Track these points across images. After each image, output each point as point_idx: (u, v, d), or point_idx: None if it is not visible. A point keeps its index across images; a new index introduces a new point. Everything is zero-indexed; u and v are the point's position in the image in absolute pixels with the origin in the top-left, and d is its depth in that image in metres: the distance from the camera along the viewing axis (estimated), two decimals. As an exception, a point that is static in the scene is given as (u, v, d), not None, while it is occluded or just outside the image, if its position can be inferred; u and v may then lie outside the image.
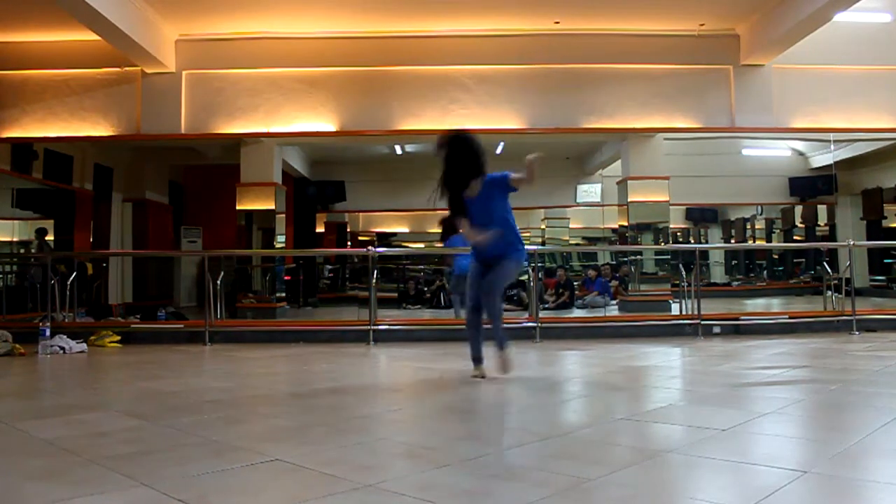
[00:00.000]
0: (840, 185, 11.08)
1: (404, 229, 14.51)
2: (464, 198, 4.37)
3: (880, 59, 8.53)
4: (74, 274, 7.46)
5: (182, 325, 7.39)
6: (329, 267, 13.60)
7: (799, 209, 13.10)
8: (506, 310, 9.95)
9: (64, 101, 8.28)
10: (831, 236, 12.28)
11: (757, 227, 14.05)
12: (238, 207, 8.66)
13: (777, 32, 7.73)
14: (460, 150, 4.33)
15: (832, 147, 10.49)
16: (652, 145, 8.81)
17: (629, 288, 9.35)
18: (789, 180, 12.75)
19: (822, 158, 11.81)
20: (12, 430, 2.96)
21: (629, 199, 8.78)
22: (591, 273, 10.92)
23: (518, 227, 4.49)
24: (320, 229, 13.59)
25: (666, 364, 5.25)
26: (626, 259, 9.70)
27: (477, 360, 4.39)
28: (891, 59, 8.54)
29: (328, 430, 2.94)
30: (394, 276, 12.67)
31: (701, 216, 13.83)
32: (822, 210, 12.73)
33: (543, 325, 6.98)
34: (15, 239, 9.54)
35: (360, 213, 14.24)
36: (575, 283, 10.73)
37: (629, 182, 8.79)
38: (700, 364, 5.14)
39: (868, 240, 11.67)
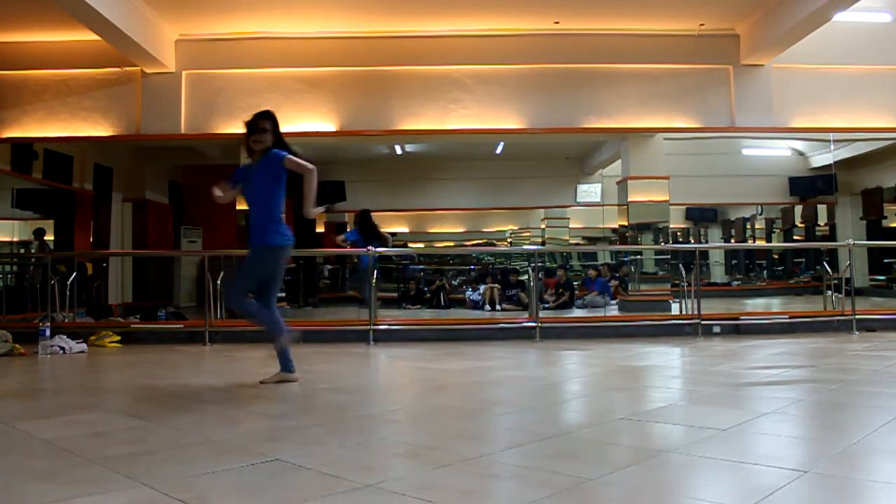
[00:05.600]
0: (840, 185, 11.08)
1: (404, 229, 14.52)
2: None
3: (880, 59, 8.53)
4: (74, 274, 7.46)
5: (182, 325, 7.40)
6: (329, 267, 13.59)
7: (799, 209, 13.10)
8: (505, 309, 10.07)
9: (64, 101, 8.28)
10: (831, 236, 12.28)
11: (757, 226, 14.06)
12: (238, 207, 8.65)
13: (777, 32, 7.73)
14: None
15: (832, 147, 10.48)
16: (652, 145, 8.82)
17: (629, 288, 9.35)
18: (789, 180, 12.75)
19: (822, 158, 11.81)
20: (12, 430, 2.96)
21: (629, 199, 8.78)
22: (591, 273, 10.93)
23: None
24: (320, 229, 13.59)
25: (666, 364, 5.25)
26: (626, 259, 9.70)
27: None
28: (891, 59, 8.53)
29: (328, 430, 2.94)
30: (394, 276, 12.68)
31: (701, 216, 13.83)
32: (822, 210, 12.73)
33: (543, 325, 6.98)
34: (15, 239, 9.54)
35: (360, 213, 14.23)
36: (575, 283, 10.74)
37: (629, 182, 8.79)
38: (700, 364, 5.14)
39: (868, 240, 11.67)
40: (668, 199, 8.80)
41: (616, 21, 8.19)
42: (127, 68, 8.22)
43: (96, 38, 7.34)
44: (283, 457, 2.42)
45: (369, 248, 7.42)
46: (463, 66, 8.39)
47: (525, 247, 13.48)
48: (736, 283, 13.49)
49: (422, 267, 13.07)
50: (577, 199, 13.02)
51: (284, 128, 8.73)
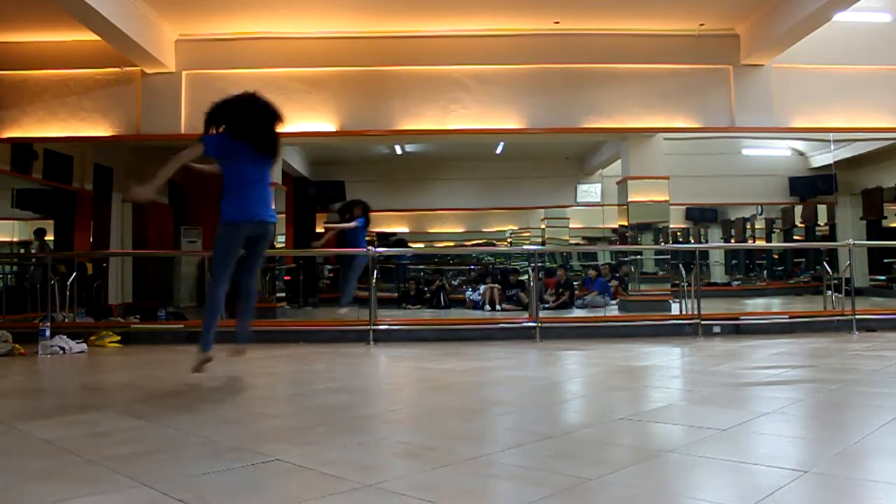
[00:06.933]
0: (840, 185, 11.09)
1: (404, 229, 14.52)
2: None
3: (880, 59, 8.52)
4: (74, 274, 7.46)
5: (182, 325, 7.39)
6: (329, 267, 13.59)
7: (799, 209, 13.11)
8: (505, 309, 10.07)
9: (64, 101, 8.28)
10: (831, 236, 12.29)
11: (757, 226, 14.06)
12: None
13: (777, 32, 7.73)
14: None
15: (832, 147, 10.49)
16: (652, 145, 8.82)
17: (629, 288, 9.35)
18: (789, 180, 12.76)
19: (822, 158, 11.82)
20: (12, 430, 2.96)
21: (629, 199, 8.78)
22: (591, 273, 10.93)
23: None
24: (320, 229, 13.59)
25: (666, 364, 5.25)
26: (625, 259, 9.71)
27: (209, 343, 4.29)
28: (891, 59, 8.53)
29: (328, 430, 2.94)
30: (394, 276, 12.68)
31: (701, 216, 13.84)
32: (822, 210, 12.74)
33: (543, 325, 6.98)
34: (15, 239, 9.54)
35: (360, 213, 14.23)
36: (575, 283, 10.74)
37: (629, 182, 8.80)
38: (700, 364, 5.14)
39: (868, 240, 11.68)
40: (668, 199, 8.80)
41: (616, 21, 8.18)
42: (127, 68, 8.21)
43: (96, 38, 7.34)
44: (283, 457, 2.42)
45: (369, 248, 7.42)
46: (463, 66, 8.39)
47: (525, 247, 13.49)
48: (736, 283, 13.50)
49: (422, 267, 13.08)
50: (577, 199, 13.03)
51: (285, 128, 8.79)
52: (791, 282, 13.21)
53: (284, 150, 9.64)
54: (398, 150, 11.96)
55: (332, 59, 8.33)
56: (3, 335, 6.00)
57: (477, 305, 10.49)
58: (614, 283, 10.46)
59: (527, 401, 3.79)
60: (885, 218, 11.88)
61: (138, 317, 8.05)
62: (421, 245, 14.62)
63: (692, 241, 13.69)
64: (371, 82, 8.42)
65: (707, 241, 13.79)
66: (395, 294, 11.77)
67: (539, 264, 8.35)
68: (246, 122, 4.41)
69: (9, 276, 9.24)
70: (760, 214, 13.81)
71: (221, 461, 2.41)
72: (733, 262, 14.28)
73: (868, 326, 7.03)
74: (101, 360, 5.82)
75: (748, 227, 14.00)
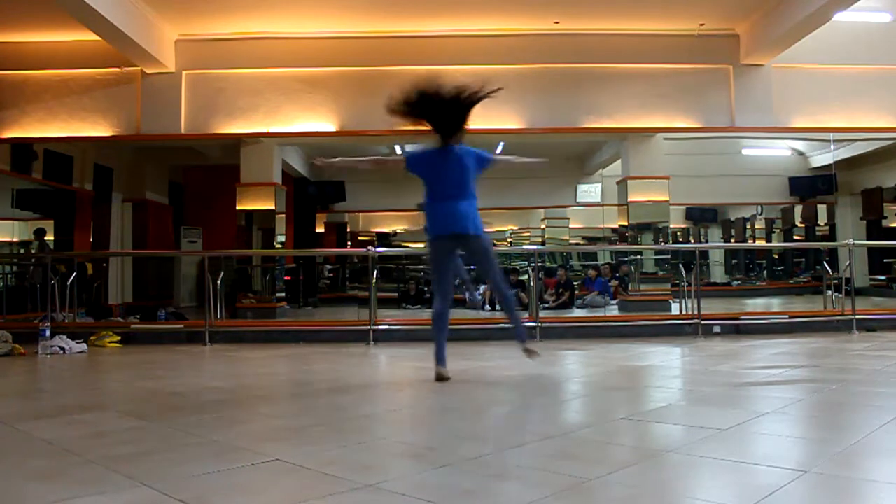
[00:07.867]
0: (840, 185, 11.08)
1: (404, 229, 14.53)
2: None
3: (880, 58, 8.53)
4: (74, 274, 7.46)
5: (182, 326, 7.40)
6: (329, 267, 13.60)
7: (799, 209, 13.10)
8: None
9: (64, 101, 8.28)
10: (831, 236, 12.29)
11: (757, 226, 14.05)
12: (238, 207, 8.66)
13: (777, 32, 7.73)
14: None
15: (832, 147, 10.49)
16: (652, 145, 8.82)
17: (629, 288, 9.34)
18: (789, 180, 12.76)
19: (822, 158, 11.82)
20: (12, 431, 2.96)
21: (629, 199, 8.78)
22: (592, 273, 10.93)
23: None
24: (320, 229, 13.59)
25: (666, 364, 5.25)
26: (625, 259, 9.70)
27: (442, 359, 4.24)
28: (891, 59, 8.54)
29: (328, 430, 2.93)
30: (394, 276, 12.68)
31: (701, 216, 13.84)
32: (822, 210, 12.74)
33: (543, 325, 6.98)
34: (15, 239, 9.54)
35: (360, 213, 14.25)
36: (575, 283, 10.73)
37: (629, 182, 8.79)
38: (700, 364, 5.14)
39: (868, 239, 11.67)
40: (668, 199, 8.80)
41: (616, 21, 8.19)
42: (127, 68, 8.22)
43: (96, 38, 7.35)
44: (283, 457, 2.42)
45: (369, 248, 7.42)
46: (463, 66, 8.36)
47: (525, 247, 13.48)
48: (736, 283, 13.49)
49: (422, 267, 13.07)
50: (577, 199, 13.02)
51: (285, 128, 8.80)
52: (791, 282, 13.20)
53: (284, 151, 9.66)
54: (398, 150, 11.95)
55: (332, 59, 8.33)
56: (3, 335, 6.00)
57: (477, 305, 10.47)
58: (614, 283, 10.45)
59: (527, 401, 3.79)
60: (885, 218, 11.88)
61: (138, 317, 8.05)
62: (422, 245, 14.63)
63: (692, 241, 13.68)
64: (371, 82, 8.41)
65: (707, 241, 13.79)
66: (396, 294, 11.77)
67: (539, 264, 8.35)
68: (430, 119, 4.33)
69: (9, 276, 9.24)
70: (760, 214, 13.80)
71: (221, 461, 2.40)
72: (733, 261, 14.27)
73: (868, 326, 7.03)
74: (101, 360, 5.82)
75: (748, 227, 13.99)
